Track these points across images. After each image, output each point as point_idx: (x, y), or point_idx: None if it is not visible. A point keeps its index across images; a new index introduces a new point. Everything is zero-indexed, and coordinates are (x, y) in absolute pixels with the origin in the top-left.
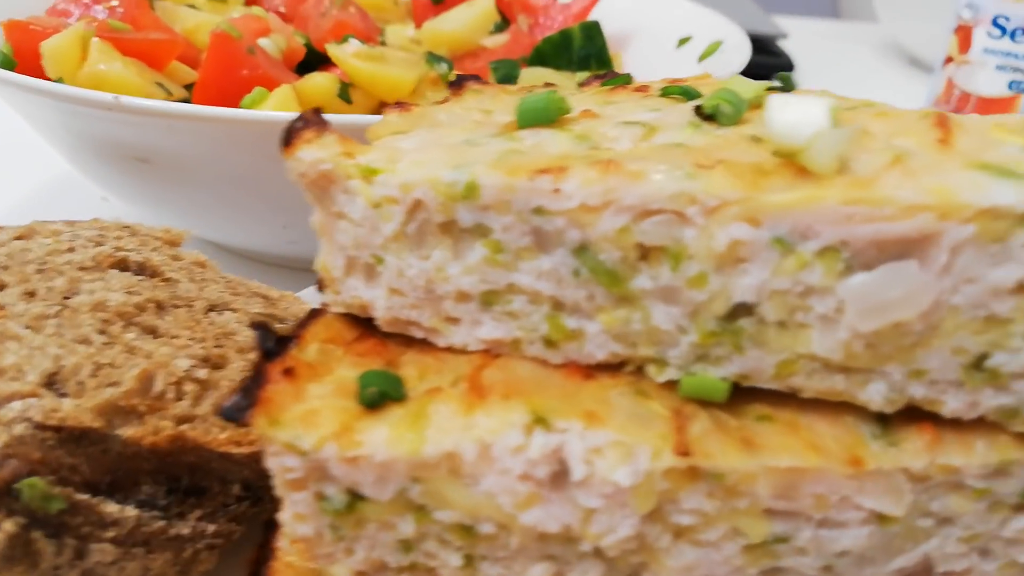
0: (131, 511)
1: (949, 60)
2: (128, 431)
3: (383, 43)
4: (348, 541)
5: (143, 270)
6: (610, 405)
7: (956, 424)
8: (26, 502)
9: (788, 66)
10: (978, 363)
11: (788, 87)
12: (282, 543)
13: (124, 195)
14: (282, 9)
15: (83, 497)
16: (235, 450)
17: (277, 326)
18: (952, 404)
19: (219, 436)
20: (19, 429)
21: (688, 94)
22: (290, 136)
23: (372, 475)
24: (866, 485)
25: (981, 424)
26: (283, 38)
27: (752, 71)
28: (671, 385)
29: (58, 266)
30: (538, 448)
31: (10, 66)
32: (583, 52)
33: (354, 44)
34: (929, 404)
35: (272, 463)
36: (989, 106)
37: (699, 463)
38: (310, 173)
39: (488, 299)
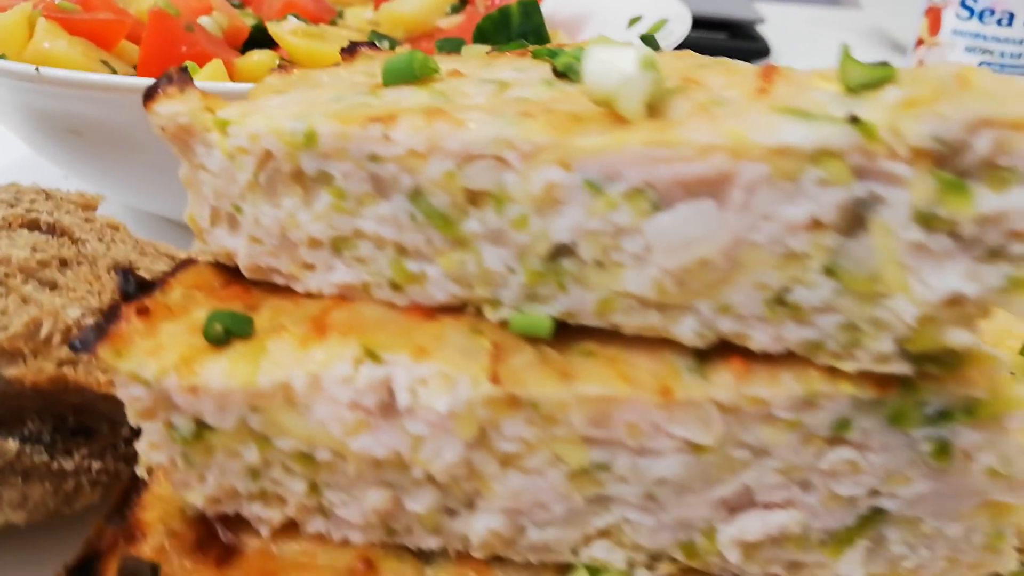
0: (12, 445)
1: (920, 43)
2: (12, 371)
3: (335, 23)
4: (199, 468)
5: (53, 230)
6: (442, 341)
7: (767, 358)
8: None
9: (764, 50)
10: (780, 298)
11: (655, 47)
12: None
13: (69, 168)
14: None
15: None
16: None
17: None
18: (759, 338)
19: (100, 378)
20: None
21: (554, 55)
22: (152, 92)
23: (212, 404)
24: (676, 414)
25: (791, 358)
26: (224, 17)
27: (729, 55)
28: (506, 324)
29: None
30: (365, 379)
31: None
32: (521, 28)
33: (292, 22)
34: (738, 338)
35: (121, 394)
36: None
37: (514, 391)
38: (169, 126)
39: (338, 245)
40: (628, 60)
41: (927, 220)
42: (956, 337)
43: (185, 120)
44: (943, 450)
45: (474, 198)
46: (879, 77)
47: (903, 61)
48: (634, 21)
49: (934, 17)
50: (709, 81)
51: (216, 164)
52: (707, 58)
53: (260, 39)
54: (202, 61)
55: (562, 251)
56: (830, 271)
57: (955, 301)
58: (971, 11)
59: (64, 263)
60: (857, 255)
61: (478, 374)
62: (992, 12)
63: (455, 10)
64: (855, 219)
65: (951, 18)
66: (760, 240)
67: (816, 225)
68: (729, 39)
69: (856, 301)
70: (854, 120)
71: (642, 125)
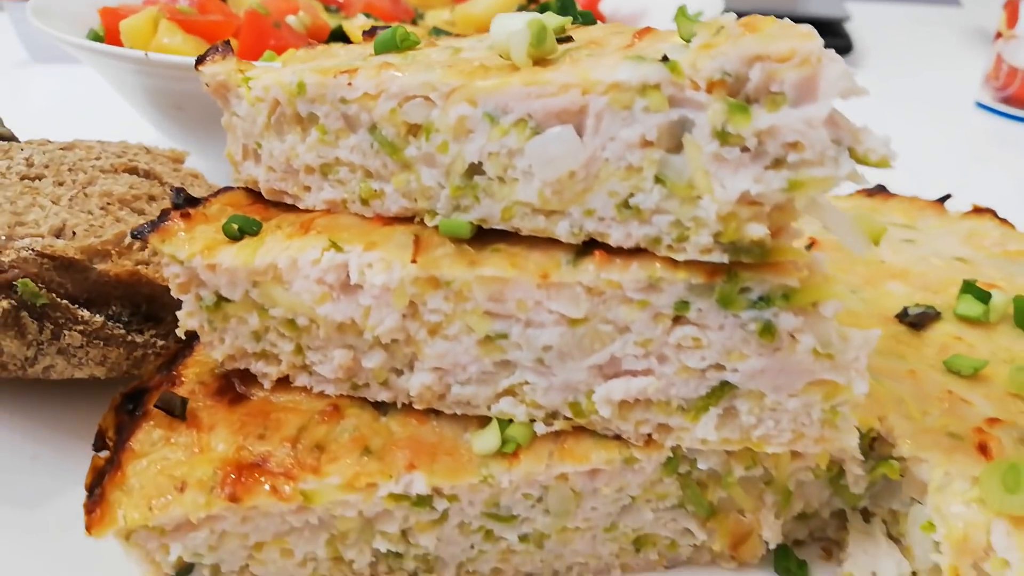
0: (98, 318)
1: (999, 36)
2: (102, 266)
3: (416, 23)
4: (219, 332)
5: (148, 175)
6: (388, 239)
7: (623, 252)
8: (20, 294)
9: (847, 47)
10: (626, 203)
11: (589, 22)
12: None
13: (169, 134)
14: None
15: (63, 302)
16: None
17: None
18: (614, 235)
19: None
20: (24, 253)
21: None
22: (202, 58)
23: (225, 279)
24: (552, 293)
25: (640, 252)
26: (308, 16)
27: None
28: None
29: (85, 168)
30: (328, 262)
31: (98, 41)
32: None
33: (361, 19)
34: (600, 236)
35: (166, 271)
36: None
37: (432, 272)
38: (211, 83)
39: (324, 170)
40: (515, 21)
41: (723, 136)
42: (753, 230)
43: (222, 78)
44: (768, 330)
45: (412, 130)
46: (698, 29)
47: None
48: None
49: (1012, 10)
50: (608, 41)
51: (244, 111)
52: (627, 27)
53: (341, 35)
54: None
55: (475, 170)
56: (659, 180)
57: (748, 200)
58: None
59: (152, 198)
60: (677, 167)
61: (407, 260)
62: None
63: (521, 9)
64: (674, 138)
65: None
66: (608, 156)
67: (646, 143)
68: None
69: (680, 203)
70: (665, 59)
71: (526, 71)
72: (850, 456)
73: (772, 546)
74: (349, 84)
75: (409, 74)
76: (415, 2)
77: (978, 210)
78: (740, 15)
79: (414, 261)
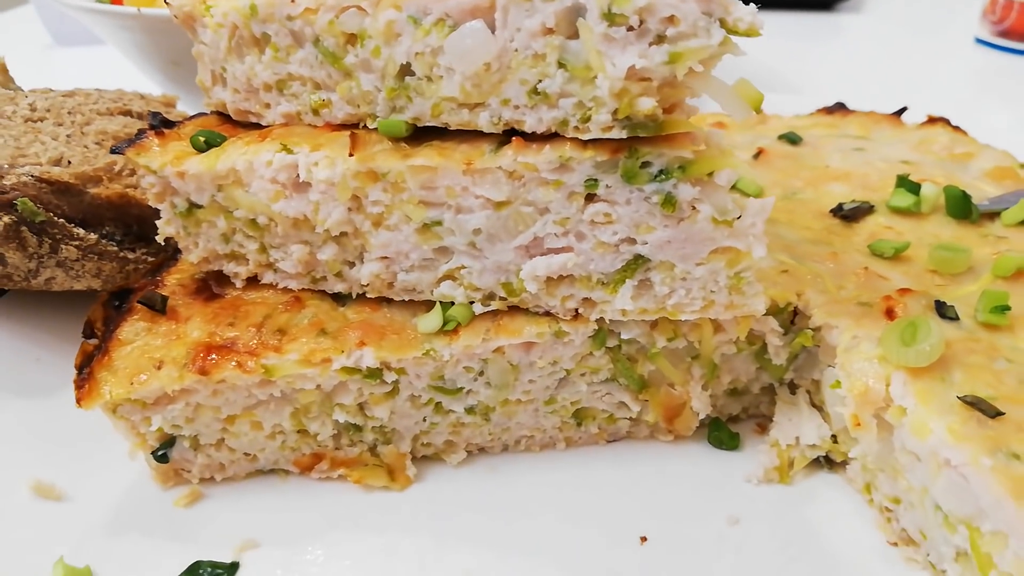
0: (93, 236)
1: None
2: (94, 190)
3: None
4: (193, 236)
5: (141, 117)
6: (334, 142)
7: (538, 138)
8: (20, 211)
9: None
10: (535, 89)
11: None
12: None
13: (164, 86)
14: None
15: (59, 220)
16: None
17: None
18: (529, 121)
19: None
20: (24, 178)
21: None
22: None
23: (193, 185)
24: (476, 179)
25: (553, 137)
26: None
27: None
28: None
29: (83, 111)
30: (279, 162)
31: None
32: None
33: None
34: (517, 124)
35: (143, 182)
36: None
37: (368, 165)
38: (179, 14)
39: (279, 86)
40: None
41: (610, 17)
42: (644, 104)
43: (188, 8)
44: (669, 201)
45: (349, 39)
46: None
47: None
48: None
49: None
50: None
51: (208, 38)
52: None
53: None
54: None
55: (405, 71)
56: (561, 64)
57: (637, 76)
58: None
59: None
60: (575, 50)
61: (347, 156)
62: None
63: None
64: (570, 24)
65: None
66: (517, 47)
67: (548, 31)
68: None
69: (580, 84)
70: None
71: None
72: (768, 327)
73: (703, 418)
74: (292, 2)
75: None
76: None
77: (932, 120)
78: None
79: (351, 155)
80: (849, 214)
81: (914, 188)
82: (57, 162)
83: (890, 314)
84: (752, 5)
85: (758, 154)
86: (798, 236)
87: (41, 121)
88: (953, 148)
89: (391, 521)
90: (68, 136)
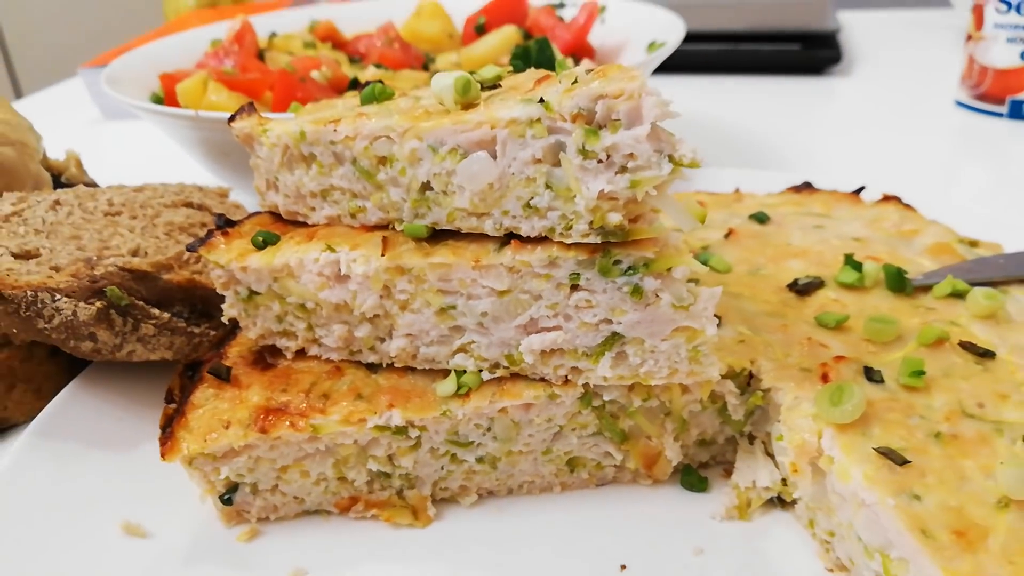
0: (166, 315)
1: (969, 38)
2: (167, 276)
3: (426, 67)
4: (252, 317)
5: (200, 208)
6: (369, 241)
7: (531, 240)
8: (109, 297)
9: (836, 59)
10: (528, 204)
11: (525, 67)
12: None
13: (218, 174)
14: (361, 49)
15: (140, 303)
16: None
17: None
18: (524, 227)
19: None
20: (110, 268)
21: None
22: (233, 116)
23: (254, 277)
24: (483, 273)
25: (543, 240)
26: (329, 71)
27: (800, 65)
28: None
29: (152, 204)
30: (324, 259)
31: (159, 102)
32: (537, 60)
33: (371, 70)
34: (515, 229)
35: (212, 274)
36: (1005, 77)
37: (397, 262)
38: (240, 134)
39: (324, 194)
40: (447, 78)
41: (584, 153)
42: (612, 218)
43: (247, 130)
44: (637, 291)
45: (381, 160)
46: (568, 77)
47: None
48: (652, 47)
49: (978, 13)
50: (524, 86)
51: (264, 154)
52: (539, 73)
53: (357, 85)
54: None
55: (426, 187)
56: (548, 186)
57: (606, 196)
58: (1008, 4)
59: (204, 225)
60: (559, 176)
61: (379, 255)
62: None
63: (516, 48)
64: (554, 156)
65: (992, 12)
66: (514, 171)
67: (537, 160)
68: (803, 49)
69: (563, 202)
70: (541, 101)
71: (455, 114)
72: (727, 389)
73: (676, 464)
74: (335, 130)
75: (375, 120)
76: (426, 47)
77: (887, 198)
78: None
79: (384, 255)
80: (802, 289)
81: (857, 266)
82: (135, 252)
83: (825, 378)
84: (693, 144)
85: (728, 234)
86: (757, 309)
87: (118, 215)
88: (902, 225)
89: (415, 553)
90: (143, 228)
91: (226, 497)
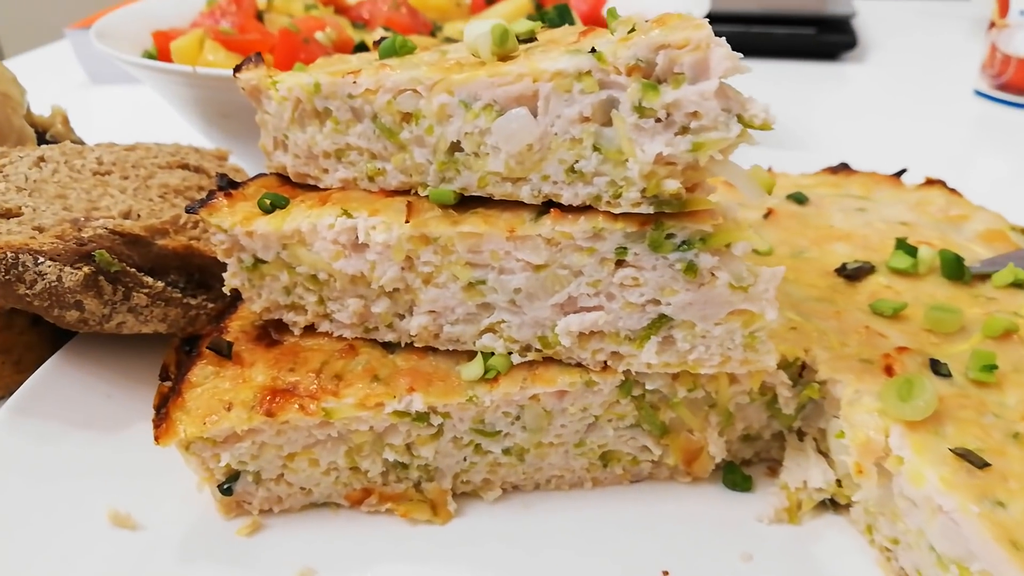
0: (160, 284)
1: (992, 26)
2: (161, 241)
3: (433, 35)
4: (257, 288)
5: (197, 170)
6: (389, 206)
7: (573, 209)
8: (97, 262)
9: (851, 44)
10: (572, 168)
11: (569, 22)
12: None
13: (215, 139)
14: (364, 14)
15: (131, 270)
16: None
17: None
18: (565, 195)
19: (213, 249)
20: (100, 230)
21: None
22: (239, 67)
23: (260, 243)
24: (518, 245)
25: (587, 209)
26: (334, 31)
27: (816, 49)
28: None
29: (145, 165)
30: (340, 226)
31: (152, 59)
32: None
33: (379, 32)
34: (554, 197)
35: (213, 239)
36: None
37: (422, 230)
38: (247, 87)
39: (339, 154)
40: (484, 27)
41: (640, 110)
42: (669, 185)
43: (255, 82)
44: (691, 268)
45: (405, 117)
46: (624, 24)
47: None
48: None
49: (1003, 1)
50: (563, 39)
51: (273, 109)
52: (583, 27)
53: (363, 48)
54: None
55: (455, 147)
56: (596, 148)
57: (663, 161)
58: None
59: (201, 188)
60: (609, 137)
61: (403, 221)
62: None
63: (531, 17)
64: (604, 114)
65: (1018, 0)
66: (556, 131)
67: (584, 119)
68: (817, 33)
69: (613, 166)
70: (593, 51)
71: (492, 66)
72: (779, 380)
73: (719, 461)
74: (354, 82)
75: (401, 72)
76: (433, 15)
77: (930, 181)
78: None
79: (407, 222)
80: (852, 274)
81: (911, 251)
82: (127, 215)
83: (889, 371)
84: (766, 101)
85: (768, 214)
86: (804, 294)
87: (108, 175)
88: (948, 210)
89: (433, 552)
90: (135, 190)
91: (226, 486)
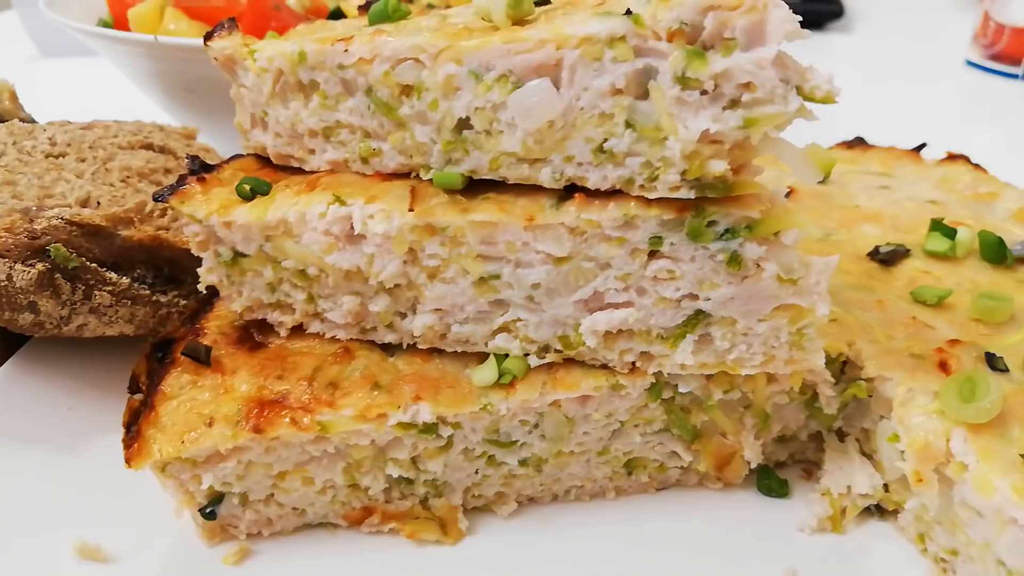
0: (125, 280)
1: None
2: (125, 232)
3: (411, 1)
4: (237, 285)
5: (163, 151)
6: (388, 192)
7: (600, 194)
8: (53, 257)
9: (838, 12)
10: (601, 147)
11: None
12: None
13: (179, 117)
14: None
15: (92, 265)
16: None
17: None
18: (592, 178)
19: (184, 240)
20: (55, 221)
21: None
22: (210, 34)
23: (240, 235)
24: (538, 235)
25: (616, 193)
26: None
27: (805, 17)
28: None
29: (104, 145)
30: (333, 214)
31: (108, 28)
32: None
33: None
34: (579, 180)
35: (186, 231)
36: (1022, 36)
37: (428, 220)
38: (219, 56)
39: (326, 133)
40: None
41: (683, 81)
42: (715, 167)
43: (229, 51)
44: (735, 259)
45: (405, 90)
46: None
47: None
48: None
49: None
50: (583, 1)
51: (250, 81)
52: None
53: (338, 15)
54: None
55: (463, 125)
56: (629, 124)
57: (709, 139)
58: None
59: (168, 171)
60: (645, 111)
61: (405, 209)
62: None
63: None
64: (640, 85)
65: None
66: (583, 105)
67: (616, 91)
68: (803, 2)
69: (649, 145)
70: (628, 13)
71: (506, 31)
72: (821, 378)
73: (754, 466)
74: (346, 50)
75: (400, 38)
76: None
77: (952, 157)
78: None
79: (411, 210)
80: (886, 258)
81: (950, 232)
82: (85, 202)
83: (944, 367)
84: (829, 71)
85: (788, 193)
86: (839, 281)
87: (62, 157)
88: (976, 187)
89: (444, 575)
90: (93, 173)
91: (209, 510)
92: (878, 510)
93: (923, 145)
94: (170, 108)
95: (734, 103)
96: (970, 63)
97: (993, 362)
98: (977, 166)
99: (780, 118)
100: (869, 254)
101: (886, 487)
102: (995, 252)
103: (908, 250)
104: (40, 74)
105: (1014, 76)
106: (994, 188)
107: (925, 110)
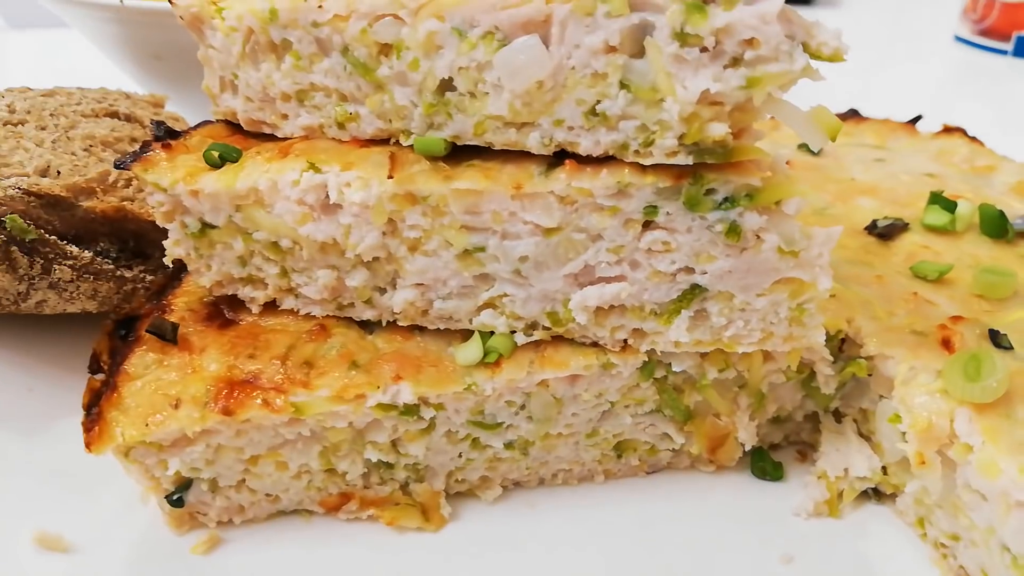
0: (87, 254)
1: None
2: (87, 203)
3: None
4: (206, 259)
5: (129, 119)
6: (366, 159)
7: (592, 160)
8: (8, 229)
9: None
10: (593, 110)
11: None
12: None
13: (147, 86)
14: None
15: (51, 238)
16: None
17: None
18: (584, 144)
19: (150, 211)
20: (11, 191)
21: None
22: None
23: (208, 205)
24: (526, 204)
25: (609, 160)
26: None
27: None
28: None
29: (66, 113)
30: (307, 182)
31: None
32: None
33: None
34: (570, 146)
35: (150, 200)
36: (1013, 11)
37: (408, 188)
38: (186, 15)
39: (300, 96)
40: None
41: (682, 37)
42: (715, 130)
43: (196, 10)
44: (734, 230)
45: (383, 49)
46: None
47: None
48: None
49: None
50: None
51: (219, 42)
52: None
53: None
54: None
55: (446, 86)
56: (624, 85)
57: (709, 99)
58: None
59: (134, 140)
60: (640, 71)
61: (384, 177)
62: None
63: None
64: (636, 42)
65: None
66: (574, 64)
67: (610, 49)
68: None
69: (644, 107)
70: None
71: None
72: (820, 357)
73: (748, 448)
74: (320, 7)
75: None
76: None
77: (948, 129)
78: None
79: (390, 177)
80: (884, 232)
81: (949, 205)
82: (44, 172)
83: (947, 344)
84: (837, 28)
85: None
86: (836, 256)
87: (21, 124)
88: (974, 160)
89: (426, 564)
90: (53, 142)
91: (176, 497)
92: (876, 493)
93: (919, 117)
94: (140, 78)
95: (736, 61)
96: (959, 39)
97: (997, 339)
98: (974, 139)
99: (785, 77)
100: (866, 228)
101: (884, 469)
102: (996, 226)
103: (907, 224)
104: (7, 46)
105: (1003, 52)
106: (991, 161)
107: (914, 86)
